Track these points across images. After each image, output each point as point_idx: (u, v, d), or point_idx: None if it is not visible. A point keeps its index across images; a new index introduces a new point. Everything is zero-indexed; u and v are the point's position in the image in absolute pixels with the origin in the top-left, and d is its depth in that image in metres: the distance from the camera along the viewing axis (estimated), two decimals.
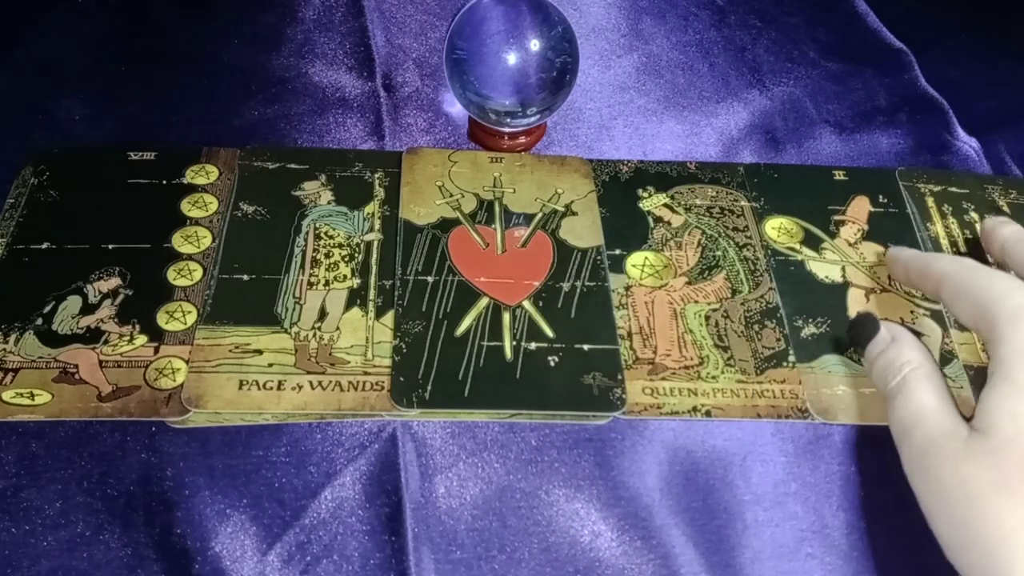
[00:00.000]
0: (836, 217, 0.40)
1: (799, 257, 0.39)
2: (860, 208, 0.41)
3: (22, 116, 0.42)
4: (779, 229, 0.40)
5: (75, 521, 0.30)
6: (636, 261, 0.38)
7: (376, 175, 0.40)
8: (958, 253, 0.39)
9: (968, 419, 0.26)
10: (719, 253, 0.38)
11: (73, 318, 0.34)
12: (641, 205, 0.40)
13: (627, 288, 0.37)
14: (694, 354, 0.35)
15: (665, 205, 0.40)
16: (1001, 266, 0.34)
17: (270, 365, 0.33)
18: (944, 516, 0.25)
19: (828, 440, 0.34)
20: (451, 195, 0.39)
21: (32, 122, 0.42)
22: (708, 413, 0.33)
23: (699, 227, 0.39)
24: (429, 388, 0.32)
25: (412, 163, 0.41)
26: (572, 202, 0.40)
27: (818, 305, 0.37)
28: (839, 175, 0.42)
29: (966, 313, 0.28)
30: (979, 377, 0.35)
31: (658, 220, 0.40)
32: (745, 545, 0.31)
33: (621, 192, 0.41)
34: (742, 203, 0.40)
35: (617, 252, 0.38)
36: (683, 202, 0.40)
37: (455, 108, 0.44)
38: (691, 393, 0.33)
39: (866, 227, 0.40)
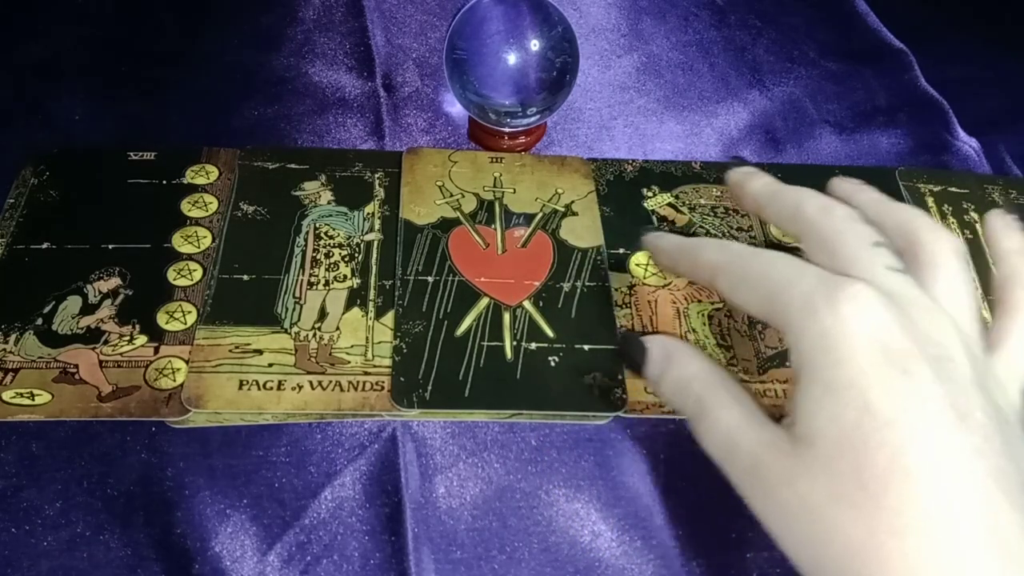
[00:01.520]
0: None
1: (805, 257, 0.38)
2: None
3: (22, 116, 0.42)
4: None
5: (75, 521, 0.30)
6: (640, 260, 0.38)
7: (376, 175, 0.40)
8: None
9: (778, 419, 0.25)
10: None
11: (73, 318, 0.34)
12: (646, 204, 0.40)
13: (631, 287, 0.37)
14: None
15: (669, 204, 0.40)
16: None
17: (270, 365, 0.33)
18: (791, 536, 0.23)
19: None
20: (451, 195, 0.39)
21: (32, 122, 0.42)
22: None
23: (703, 227, 0.39)
24: (429, 388, 0.32)
25: (412, 163, 0.41)
26: (572, 202, 0.40)
27: None
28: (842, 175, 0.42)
29: (752, 305, 0.26)
30: None
31: (662, 220, 0.39)
32: (745, 545, 0.31)
33: (625, 191, 0.41)
34: None
35: (621, 251, 0.38)
36: (687, 201, 0.40)
37: (455, 108, 0.44)
38: None
39: None
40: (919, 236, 0.27)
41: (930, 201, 0.41)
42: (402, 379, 0.32)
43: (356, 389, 0.32)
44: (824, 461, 0.22)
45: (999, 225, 0.30)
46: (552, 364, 0.33)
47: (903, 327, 0.23)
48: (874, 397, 0.22)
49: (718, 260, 0.27)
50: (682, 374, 0.27)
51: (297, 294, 0.35)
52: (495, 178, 0.40)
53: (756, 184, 0.30)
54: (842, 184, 0.30)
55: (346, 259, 0.37)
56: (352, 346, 0.34)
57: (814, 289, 0.24)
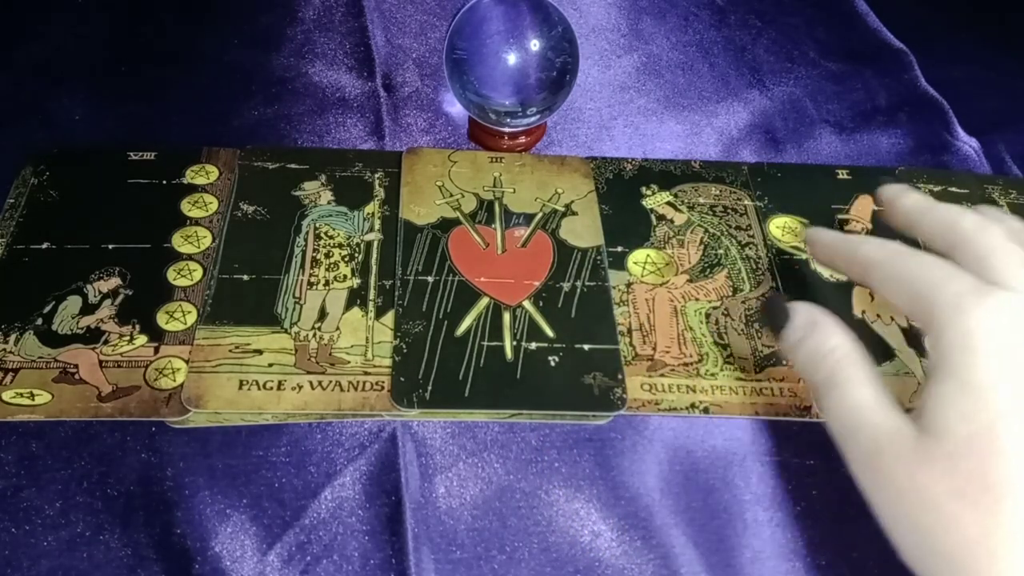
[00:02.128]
0: (840, 216, 0.40)
1: (804, 256, 0.39)
2: (863, 207, 0.41)
3: (22, 116, 0.42)
4: (783, 228, 0.40)
5: (75, 521, 0.30)
6: (638, 258, 0.38)
7: (376, 175, 0.40)
8: None
9: (908, 410, 0.25)
10: (721, 252, 0.38)
11: (73, 318, 0.34)
12: (644, 203, 0.40)
13: (628, 285, 0.37)
14: (693, 351, 0.35)
15: (668, 203, 0.40)
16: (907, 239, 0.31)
17: (270, 365, 0.33)
18: (902, 523, 0.24)
19: (829, 440, 0.33)
20: (451, 195, 0.39)
21: (32, 122, 0.42)
22: (706, 410, 0.33)
23: (702, 225, 0.39)
24: (429, 388, 0.32)
25: (412, 163, 0.41)
26: (572, 202, 0.40)
27: (823, 304, 0.36)
28: (842, 174, 0.42)
29: (901, 301, 0.27)
30: None
31: (661, 218, 0.40)
32: (745, 545, 0.31)
33: (625, 190, 0.41)
34: (746, 202, 0.40)
35: (619, 249, 0.38)
36: (686, 200, 0.40)
37: (455, 108, 0.44)
38: (690, 390, 0.33)
39: (869, 226, 0.40)
40: None
41: None
42: (402, 379, 0.32)
43: (356, 389, 0.32)
44: (949, 456, 0.23)
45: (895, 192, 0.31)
46: (552, 364, 0.33)
47: None
48: (1010, 404, 0.22)
49: (875, 255, 0.28)
50: (822, 344, 0.27)
51: (297, 294, 0.35)
52: (495, 178, 0.40)
53: (909, 200, 0.31)
54: (988, 210, 0.31)
55: (346, 259, 0.37)
56: (352, 346, 0.34)
57: (967, 291, 0.24)
